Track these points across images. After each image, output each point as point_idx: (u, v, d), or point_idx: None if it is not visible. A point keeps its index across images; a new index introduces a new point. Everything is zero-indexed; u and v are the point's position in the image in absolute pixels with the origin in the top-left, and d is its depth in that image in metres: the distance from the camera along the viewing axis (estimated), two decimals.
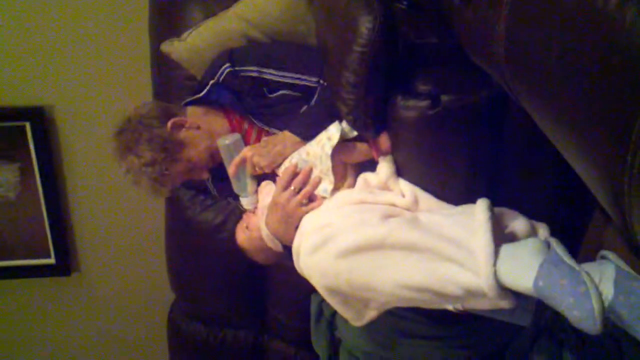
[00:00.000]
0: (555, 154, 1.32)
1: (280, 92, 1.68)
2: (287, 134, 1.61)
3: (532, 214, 1.37)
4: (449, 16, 1.14)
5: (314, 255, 1.43)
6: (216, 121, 1.76)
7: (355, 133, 1.51)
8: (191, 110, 1.78)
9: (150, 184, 1.71)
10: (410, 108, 1.32)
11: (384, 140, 1.44)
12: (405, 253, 1.31)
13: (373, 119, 1.39)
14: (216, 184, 1.89)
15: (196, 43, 1.84)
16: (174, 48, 1.87)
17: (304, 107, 1.64)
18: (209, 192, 2.20)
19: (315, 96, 1.64)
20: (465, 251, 1.26)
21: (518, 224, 1.35)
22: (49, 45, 2.35)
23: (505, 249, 1.25)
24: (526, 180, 1.37)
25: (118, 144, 1.72)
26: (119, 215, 2.71)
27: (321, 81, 1.63)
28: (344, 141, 1.50)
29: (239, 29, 1.79)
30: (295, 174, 1.55)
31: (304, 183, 1.54)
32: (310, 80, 1.65)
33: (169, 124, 1.71)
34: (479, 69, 1.30)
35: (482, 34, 0.92)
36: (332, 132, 1.50)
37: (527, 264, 1.20)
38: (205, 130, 1.74)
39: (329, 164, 1.49)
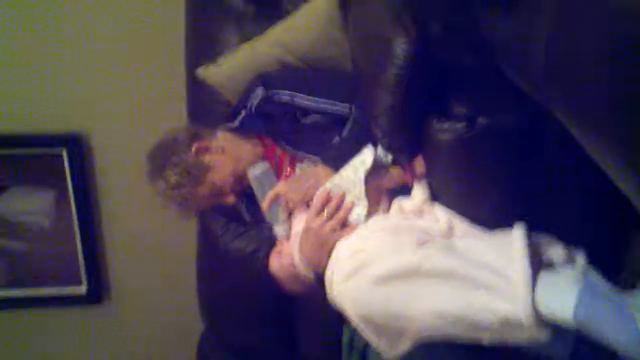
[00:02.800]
0: (593, 179, 1.32)
1: (313, 117, 1.69)
2: (319, 167, 1.63)
3: (569, 241, 1.34)
4: (487, 30, 1.14)
5: (348, 282, 1.42)
6: (246, 146, 1.81)
7: (389, 158, 1.51)
8: (222, 134, 1.81)
9: (177, 207, 1.77)
10: (445, 131, 1.31)
11: (419, 165, 1.44)
12: (441, 280, 1.30)
13: (408, 143, 1.39)
14: (249, 208, 1.91)
15: (231, 68, 1.88)
16: (210, 73, 1.91)
17: (336, 138, 1.65)
18: (241, 219, 2.23)
19: (348, 125, 1.65)
20: (502, 278, 1.24)
21: (555, 250, 1.33)
22: (87, 72, 2.42)
23: (543, 277, 1.23)
24: (564, 206, 1.35)
25: (149, 167, 1.79)
26: (151, 244, 2.73)
27: (353, 108, 1.64)
28: (377, 166, 1.50)
29: (274, 54, 1.82)
30: (328, 200, 1.55)
31: (337, 208, 1.54)
32: (342, 107, 1.66)
33: (193, 148, 1.76)
34: (516, 91, 1.29)
35: (521, 44, 0.92)
36: (366, 157, 1.50)
37: (566, 292, 1.18)
38: (231, 154, 1.78)
39: (362, 188, 1.50)
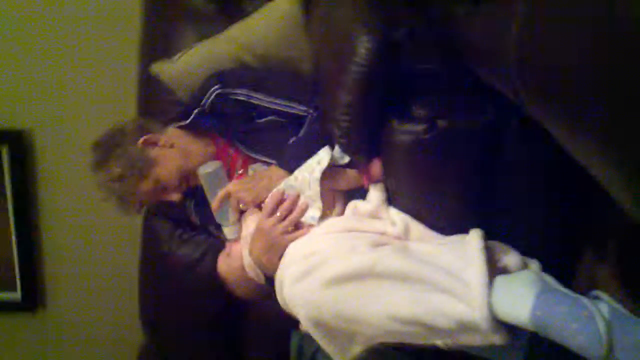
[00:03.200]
0: (549, 186, 1.34)
1: (269, 118, 1.67)
2: (273, 168, 1.59)
3: (523, 249, 1.34)
4: (454, 32, 1.14)
5: (299, 284, 1.39)
6: (198, 144, 1.75)
7: (345, 160, 1.49)
8: (173, 130, 1.76)
9: (118, 201, 1.71)
10: (405, 132, 1.30)
11: (376, 166, 1.42)
12: (395, 282, 1.28)
13: (366, 143, 1.38)
14: (197, 209, 1.85)
15: (187, 65, 1.84)
16: (164, 69, 1.87)
17: (292, 139, 1.63)
18: (188, 224, 2.17)
19: (305, 126, 1.63)
20: (458, 281, 1.23)
21: (510, 258, 1.32)
22: (30, 66, 2.34)
23: (499, 280, 1.22)
24: (519, 212, 1.35)
25: (92, 157, 1.73)
26: (91, 250, 2.64)
27: (311, 110, 1.63)
28: (333, 167, 1.48)
29: (232, 52, 1.79)
30: (281, 200, 1.52)
31: (291, 209, 1.51)
32: (299, 109, 1.64)
33: (141, 140, 1.71)
34: (477, 96, 1.30)
35: (492, 41, 0.91)
36: (322, 157, 1.48)
37: (522, 295, 1.17)
38: (181, 150, 1.73)
39: (317, 189, 1.46)
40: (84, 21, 2.28)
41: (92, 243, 2.62)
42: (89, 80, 2.36)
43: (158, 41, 2.00)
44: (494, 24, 0.90)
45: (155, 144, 1.72)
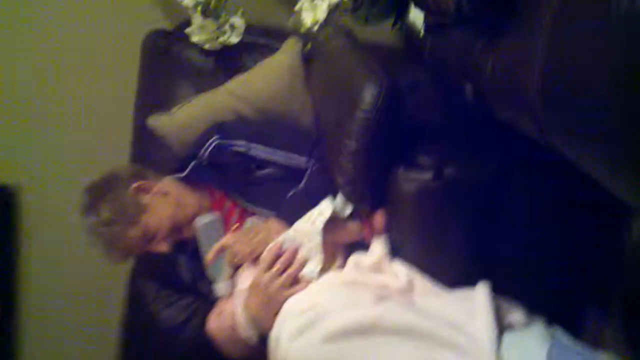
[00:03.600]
0: (556, 239, 1.30)
1: (268, 170, 1.63)
2: (271, 220, 1.55)
3: (528, 306, 1.29)
4: (469, 72, 1.13)
5: (298, 340, 1.31)
6: (193, 196, 1.71)
7: (347, 212, 1.45)
8: (169, 180, 1.72)
9: (104, 247, 1.65)
10: (411, 180, 1.28)
11: (379, 218, 1.38)
12: (400, 338, 1.21)
13: (370, 192, 1.34)
14: (189, 264, 1.78)
15: (185, 118, 1.81)
16: (161, 122, 1.84)
17: (292, 191, 1.59)
18: (176, 285, 2.10)
19: (305, 179, 1.59)
20: (465, 336, 1.17)
21: (515, 315, 1.27)
22: (19, 121, 2.29)
23: (508, 335, 1.17)
24: (525, 266, 1.31)
25: (83, 200, 1.68)
26: (74, 310, 2.52)
27: (312, 163, 1.60)
28: (335, 219, 1.44)
29: (231, 105, 1.78)
30: (279, 254, 1.46)
31: (289, 263, 1.45)
32: (300, 161, 1.61)
33: (133, 186, 1.67)
34: (484, 146, 1.28)
35: (511, 76, 0.90)
36: (324, 208, 1.43)
37: (533, 349, 1.12)
38: (174, 199, 1.68)
39: (319, 240, 1.41)
40: (75, 76, 2.24)
41: (75, 302, 2.51)
42: (82, 136, 2.31)
43: (154, 95, 1.98)
44: (513, 58, 0.88)
45: (148, 191, 1.68)
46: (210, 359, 2.04)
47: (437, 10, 0.96)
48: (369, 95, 1.27)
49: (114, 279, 2.31)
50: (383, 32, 1.78)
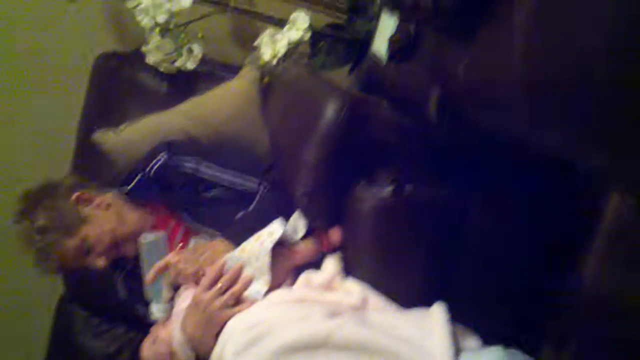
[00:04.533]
0: (516, 262, 1.31)
1: (216, 191, 1.59)
2: (218, 241, 1.48)
3: (484, 333, 1.28)
4: (440, 79, 1.14)
5: (243, 357, 1.24)
6: (136, 213, 1.63)
7: (299, 235, 1.43)
8: (112, 194, 1.65)
9: (37, 255, 1.55)
10: (370, 196, 1.26)
11: (335, 234, 1.36)
12: (352, 354, 1.16)
13: (328, 206, 1.32)
14: (126, 284, 1.70)
15: (133, 135, 1.76)
16: (108, 139, 1.78)
17: (240, 213, 1.55)
18: (106, 315, 2.01)
19: (255, 201, 1.56)
20: (421, 353, 1.14)
21: (471, 341, 1.25)
22: None
23: (466, 355, 1.15)
24: (481, 288, 1.31)
25: (19, 206, 1.59)
26: None
27: (262, 186, 1.57)
28: (286, 240, 1.41)
29: (182, 126, 1.74)
30: (222, 273, 1.40)
31: (233, 282, 1.38)
32: (250, 183, 1.58)
33: (74, 195, 1.59)
34: (445, 166, 1.29)
35: (490, 74, 0.91)
36: (275, 228, 1.39)
37: None
38: (116, 214, 1.60)
39: (267, 261, 1.35)
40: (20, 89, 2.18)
41: None
42: (20, 149, 2.22)
43: (101, 113, 1.92)
44: (489, 56, 0.90)
45: (90, 202, 1.60)
46: None
47: (414, 5, 0.97)
48: (330, 109, 1.26)
49: (42, 303, 2.19)
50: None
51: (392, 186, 1.25)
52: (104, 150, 1.79)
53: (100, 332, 2.04)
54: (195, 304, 1.37)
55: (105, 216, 1.59)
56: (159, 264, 1.46)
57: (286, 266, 1.43)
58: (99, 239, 1.56)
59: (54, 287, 2.13)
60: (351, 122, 1.27)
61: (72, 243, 1.55)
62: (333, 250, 1.38)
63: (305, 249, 1.42)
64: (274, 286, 1.39)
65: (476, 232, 1.27)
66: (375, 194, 1.26)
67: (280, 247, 1.39)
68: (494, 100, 0.92)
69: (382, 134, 1.34)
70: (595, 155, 0.80)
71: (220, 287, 1.36)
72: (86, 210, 1.59)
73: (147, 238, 1.51)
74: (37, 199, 1.58)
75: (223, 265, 1.39)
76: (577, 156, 0.92)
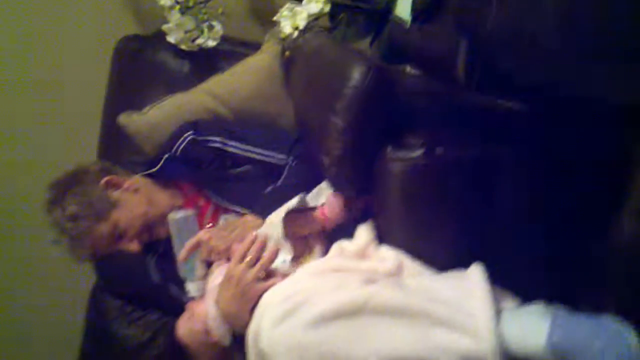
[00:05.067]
0: (549, 220, 1.28)
1: (244, 167, 1.59)
2: (248, 217, 1.49)
3: (520, 293, 1.26)
4: (468, 28, 1.12)
5: (280, 327, 1.23)
6: (165, 193, 1.64)
7: (320, 201, 1.43)
8: (140, 177, 1.66)
9: (70, 243, 1.57)
10: (400, 160, 1.24)
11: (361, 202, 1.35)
12: (390, 319, 1.16)
13: (358, 173, 1.30)
14: (157, 266, 1.70)
15: (158, 117, 1.75)
16: (133, 121, 1.78)
17: (269, 188, 1.54)
18: (140, 302, 2.00)
19: (283, 176, 1.55)
20: (461, 313, 1.12)
21: (509, 303, 1.23)
22: None
23: (506, 312, 1.13)
24: (517, 247, 1.28)
25: (49, 195, 1.60)
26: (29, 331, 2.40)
27: (290, 160, 1.56)
28: (303, 210, 1.41)
29: (206, 105, 1.74)
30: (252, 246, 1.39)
31: (260, 254, 1.36)
32: (277, 158, 1.57)
33: (103, 180, 1.60)
34: (475, 126, 1.27)
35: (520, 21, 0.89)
36: (293, 200, 1.40)
37: (535, 322, 1.08)
38: (146, 196, 1.61)
39: (280, 230, 1.36)
40: (36, 98, 2.19)
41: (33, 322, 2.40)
42: (46, 139, 2.23)
43: (125, 97, 1.92)
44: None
45: (119, 186, 1.61)
46: None
47: None
48: (357, 72, 1.24)
49: (75, 294, 2.23)
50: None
51: (422, 149, 1.22)
52: (129, 133, 1.79)
53: (134, 319, 2.03)
54: (228, 278, 1.38)
55: (135, 199, 1.60)
56: (191, 241, 1.46)
57: (309, 231, 1.44)
58: (131, 223, 1.58)
59: (86, 279, 2.14)
60: (377, 86, 1.25)
61: (104, 228, 1.56)
62: (358, 215, 1.36)
63: (327, 211, 1.42)
64: (300, 254, 1.40)
65: (510, 191, 1.24)
66: (405, 158, 1.24)
67: (301, 214, 1.39)
68: (526, 51, 0.90)
69: (409, 98, 1.32)
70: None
71: (250, 260, 1.36)
72: (116, 194, 1.60)
73: (176, 215, 1.51)
74: (67, 187, 1.59)
75: (254, 239, 1.38)
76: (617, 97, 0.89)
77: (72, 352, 2.17)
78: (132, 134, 1.78)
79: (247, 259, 1.36)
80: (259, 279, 1.34)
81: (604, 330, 1.00)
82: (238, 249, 1.39)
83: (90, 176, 1.61)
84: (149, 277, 1.70)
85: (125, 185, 1.61)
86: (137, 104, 1.84)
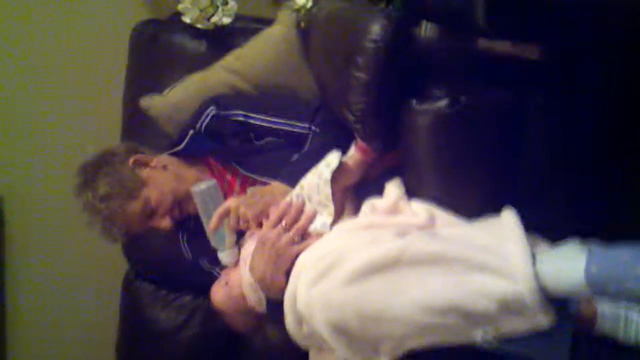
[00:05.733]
0: (579, 159, 1.28)
1: (268, 139, 1.60)
2: (276, 184, 1.50)
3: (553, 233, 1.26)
4: None
5: (317, 286, 1.25)
6: (192, 170, 1.67)
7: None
8: (166, 156, 1.69)
9: (102, 224, 1.60)
10: (426, 112, 1.25)
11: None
12: (426, 268, 1.17)
13: (384, 128, 1.31)
14: (189, 243, 1.73)
15: (179, 97, 1.78)
16: (154, 103, 1.80)
17: (295, 155, 1.55)
18: (173, 284, 2.04)
19: (308, 143, 1.56)
20: (497, 256, 1.13)
21: (542, 247, 1.23)
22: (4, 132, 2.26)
23: (541, 253, 1.13)
24: (547, 191, 1.28)
25: (78, 179, 1.63)
26: (63, 322, 2.44)
27: (313, 127, 1.57)
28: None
29: (226, 81, 1.76)
30: (287, 210, 1.40)
31: (297, 218, 1.39)
32: (300, 127, 1.58)
33: (131, 159, 1.63)
34: (498, 72, 1.27)
35: None
36: (331, 159, 1.39)
37: (571, 258, 1.08)
38: (174, 173, 1.64)
39: (328, 191, 1.35)
40: (56, 88, 2.23)
41: (66, 315, 2.44)
42: (67, 132, 2.26)
43: (144, 82, 1.93)
44: None
45: (147, 164, 1.64)
46: (213, 358, 2.02)
47: None
48: (377, 26, 1.25)
49: (108, 281, 2.27)
50: None
51: (447, 99, 1.23)
52: (151, 115, 1.82)
53: (168, 302, 2.07)
54: (261, 243, 1.39)
55: (164, 176, 1.63)
56: (220, 209, 1.47)
57: (345, 193, 1.43)
58: (161, 200, 1.60)
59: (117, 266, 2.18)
60: (399, 38, 1.26)
61: (135, 206, 1.59)
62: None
63: (353, 162, 1.42)
64: (337, 215, 1.39)
65: (539, 136, 1.26)
66: (430, 109, 1.25)
67: (338, 174, 1.38)
68: None
69: (429, 50, 1.33)
70: None
71: (286, 224, 1.38)
72: (145, 172, 1.63)
73: (199, 187, 1.53)
74: (96, 169, 1.62)
75: (288, 204, 1.40)
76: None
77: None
78: (155, 116, 1.81)
79: (283, 223, 1.38)
80: (293, 242, 1.36)
81: None
82: (271, 214, 1.41)
83: (118, 157, 1.64)
84: (181, 255, 1.73)
85: (153, 163, 1.64)
86: (157, 88, 1.87)
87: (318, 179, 1.38)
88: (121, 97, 2.05)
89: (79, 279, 2.38)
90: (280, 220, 1.39)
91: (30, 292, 2.42)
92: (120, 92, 2.04)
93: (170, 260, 1.83)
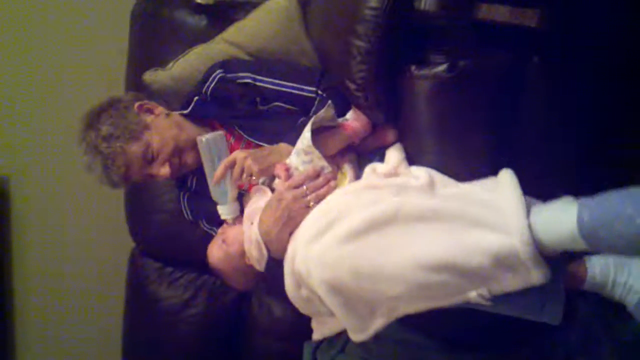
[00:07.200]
0: (576, 118, 1.32)
1: (274, 104, 1.64)
2: (282, 145, 1.54)
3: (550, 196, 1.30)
4: None
5: (315, 244, 1.31)
6: (195, 127, 1.71)
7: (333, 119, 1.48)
8: (172, 113, 1.73)
9: (102, 165, 1.61)
10: (425, 77, 1.31)
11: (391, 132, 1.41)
12: (421, 224, 1.23)
13: (385, 95, 1.36)
14: (190, 204, 1.80)
15: (182, 70, 1.83)
16: (158, 77, 1.85)
17: (302, 119, 1.59)
18: (178, 262, 2.09)
19: (314, 107, 1.60)
20: (492, 210, 1.19)
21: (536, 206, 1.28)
22: (9, 113, 2.32)
23: (534, 207, 1.19)
24: (543, 154, 1.34)
25: (82, 123, 1.67)
26: (70, 303, 2.50)
27: (319, 91, 1.61)
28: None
29: (228, 52, 1.81)
30: (313, 176, 1.44)
31: (320, 186, 1.42)
32: (307, 90, 1.62)
33: (136, 104, 1.67)
34: (494, 35, 1.31)
35: None
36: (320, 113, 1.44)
37: (562, 210, 1.14)
38: (177, 122, 1.69)
39: (307, 135, 1.40)
40: (59, 69, 2.29)
41: (72, 295, 2.49)
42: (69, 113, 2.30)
43: (147, 59, 1.98)
44: None
45: (151, 111, 1.69)
46: (218, 335, 2.07)
47: None
48: None
49: (113, 261, 2.33)
50: None
51: (445, 64, 1.27)
52: (155, 90, 1.87)
53: (174, 279, 2.12)
54: (277, 200, 1.43)
55: (167, 123, 1.67)
56: (227, 159, 1.52)
57: (338, 147, 1.48)
58: (163, 145, 1.64)
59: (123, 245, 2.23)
60: (397, 6, 1.31)
61: (137, 148, 1.62)
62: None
63: (352, 123, 1.47)
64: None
65: (536, 98, 1.30)
66: (429, 74, 1.30)
67: (327, 130, 1.45)
68: None
69: (428, 18, 1.36)
70: None
71: (308, 189, 1.42)
72: (149, 118, 1.67)
73: (205, 136, 1.57)
74: (100, 111, 1.66)
75: (319, 171, 1.44)
76: None
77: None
78: (158, 90, 1.86)
79: (303, 188, 1.42)
80: (308, 207, 1.41)
81: (633, 198, 1.05)
82: (297, 175, 1.44)
83: (123, 103, 1.69)
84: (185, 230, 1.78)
85: (158, 111, 1.69)
86: (159, 63, 1.92)
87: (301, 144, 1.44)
88: (124, 73, 2.10)
89: (85, 258, 2.44)
90: (303, 183, 1.43)
91: (37, 272, 2.48)
92: (122, 68, 2.09)
93: (174, 236, 1.88)
